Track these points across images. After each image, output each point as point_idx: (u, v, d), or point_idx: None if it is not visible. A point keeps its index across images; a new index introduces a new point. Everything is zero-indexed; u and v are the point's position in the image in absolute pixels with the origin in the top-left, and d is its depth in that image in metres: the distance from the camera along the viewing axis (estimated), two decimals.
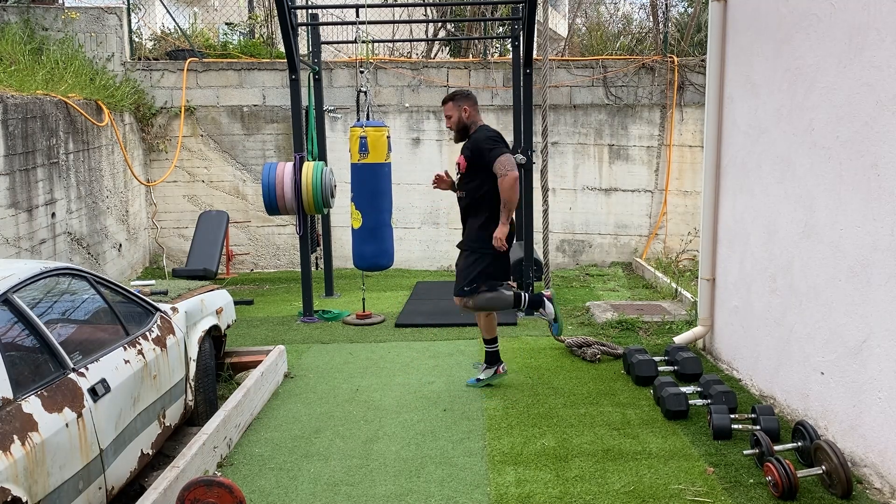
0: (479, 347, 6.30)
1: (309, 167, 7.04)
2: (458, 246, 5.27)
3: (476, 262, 5.04)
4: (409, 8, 12.23)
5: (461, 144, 5.18)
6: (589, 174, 10.25)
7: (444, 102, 5.17)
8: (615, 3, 13.99)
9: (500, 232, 4.91)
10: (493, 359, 5.33)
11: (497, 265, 5.08)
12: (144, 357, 3.89)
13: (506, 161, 4.87)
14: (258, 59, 10.20)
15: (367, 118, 7.09)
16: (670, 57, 10.11)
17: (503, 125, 10.00)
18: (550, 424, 4.63)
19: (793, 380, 4.56)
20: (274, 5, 8.24)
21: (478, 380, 5.34)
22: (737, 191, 5.38)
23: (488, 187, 4.98)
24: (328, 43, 9.63)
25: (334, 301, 8.33)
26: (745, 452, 4.07)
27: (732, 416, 4.44)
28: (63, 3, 10.25)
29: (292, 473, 4.05)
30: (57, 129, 7.26)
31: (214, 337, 5.18)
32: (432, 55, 12.08)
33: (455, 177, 5.22)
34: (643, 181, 10.25)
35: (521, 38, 7.89)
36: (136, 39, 10.35)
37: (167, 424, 4.14)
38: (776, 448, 3.95)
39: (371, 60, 9.36)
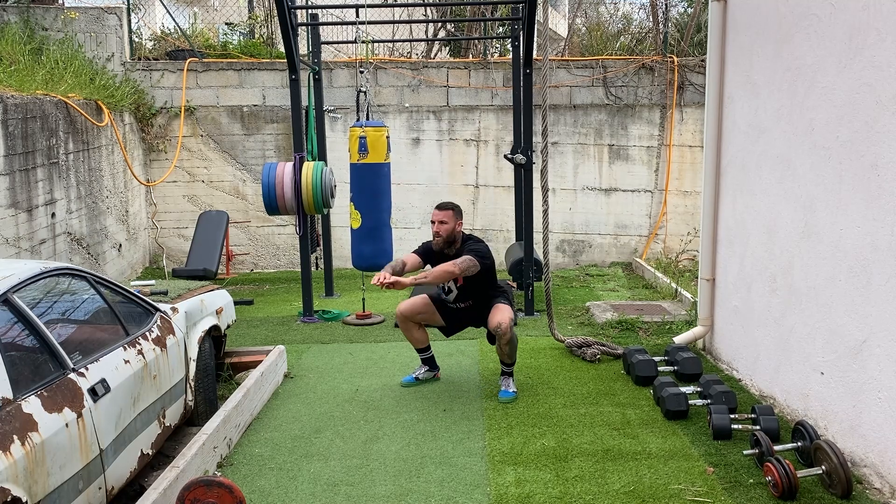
0: (478, 348, 6.30)
1: (309, 167, 7.04)
2: (463, 309, 5.24)
3: (504, 299, 5.18)
4: (409, 8, 12.23)
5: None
6: (589, 174, 10.25)
7: (445, 209, 5.07)
8: (615, 3, 13.99)
9: (421, 278, 4.83)
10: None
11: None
12: (144, 357, 3.89)
13: (472, 263, 4.89)
14: (258, 59, 10.20)
15: (367, 118, 7.09)
16: (670, 57, 10.11)
17: (503, 125, 10.02)
18: (550, 424, 4.63)
19: (793, 380, 4.56)
20: (274, 5, 8.24)
21: (514, 392, 5.20)
22: (737, 191, 5.38)
23: (484, 283, 5.11)
24: (328, 43, 9.63)
25: (334, 301, 8.33)
26: (745, 452, 4.07)
27: (732, 416, 4.44)
28: (63, 3, 10.25)
29: (292, 473, 4.05)
30: (57, 129, 7.26)
31: (214, 337, 5.18)
32: (432, 55, 12.08)
33: (448, 292, 5.18)
34: (643, 181, 10.25)
35: (521, 38, 7.89)
36: (136, 39, 10.35)
37: (167, 424, 4.14)
38: (776, 448, 3.95)
39: (371, 60, 9.36)
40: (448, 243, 5.09)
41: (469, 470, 4.05)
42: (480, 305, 5.18)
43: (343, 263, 9.66)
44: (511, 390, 5.18)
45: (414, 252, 5.24)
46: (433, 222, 5.10)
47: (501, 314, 5.02)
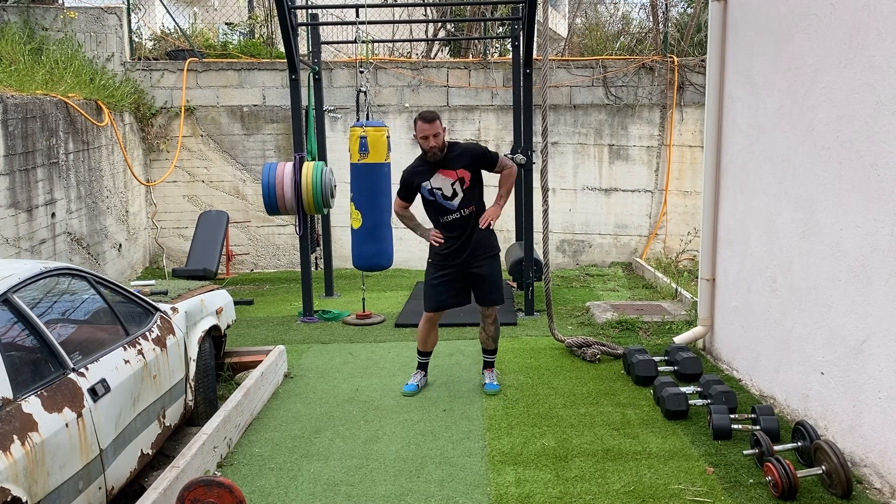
0: (478, 348, 6.27)
1: (309, 167, 7.04)
2: (471, 262, 5.09)
3: (499, 267, 5.23)
4: (409, 8, 12.23)
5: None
6: (589, 174, 10.25)
7: (431, 120, 4.86)
8: (615, 3, 13.99)
9: (496, 213, 5.09)
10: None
11: None
12: (144, 357, 3.89)
13: (505, 157, 5.21)
14: (258, 59, 10.21)
15: (367, 118, 7.09)
16: (670, 57, 10.11)
17: (503, 125, 10.02)
18: (550, 424, 4.63)
19: (793, 380, 4.56)
20: (274, 5, 8.24)
21: (499, 385, 5.34)
22: (737, 191, 5.38)
23: (481, 192, 5.15)
24: (328, 43, 9.63)
25: (334, 301, 8.33)
26: (745, 452, 4.07)
27: (732, 416, 4.44)
28: (63, 3, 10.25)
29: (292, 473, 4.05)
30: (57, 129, 7.26)
31: (214, 337, 5.18)
32: (432, 55, 12.08)
33: (451, 198, 5.00)
34: (643, 181, 10.25)
35: (521, 38, 7.89)
36: (136, 39, 10.35)
37: (167, 424, 4.14)
38: (776, 448, 3.95)
39: (371, 60, 9.36)
40: (441, 151, 4.96)
41: (469, 470, 4.05)
42: (478, 214, 5.08)
43: (343, 263, 9.66)
44: (496, 382, 5.31)
45: (399, 198, 5.19)
46: (424, 138, 4.88)
47: (494, 297, 5.14)
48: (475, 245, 5.10)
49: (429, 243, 5.21)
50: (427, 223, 5.26)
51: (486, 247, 5.14)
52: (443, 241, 5.08)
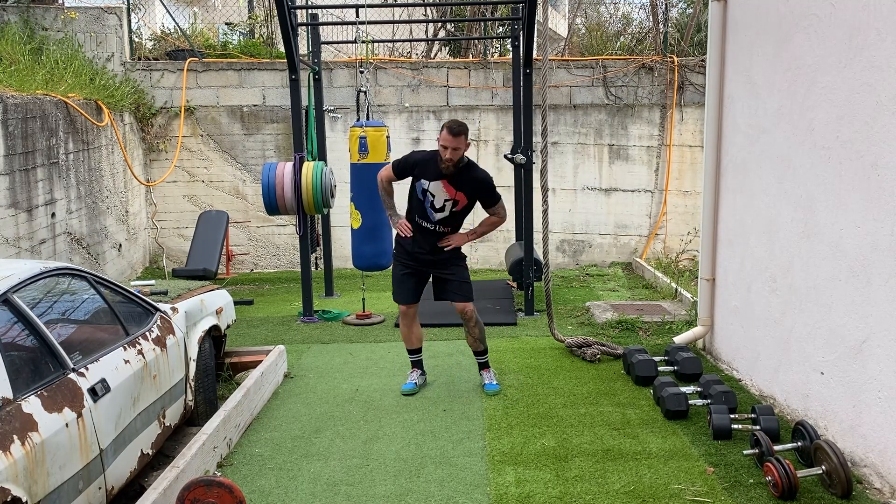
0: None
1: (309, 167, 7.04)
2: (433, 265, 5.18)
3: (466, 272, 5.26)
4: (409, 8, 12.23)
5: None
6: (589, 174, 10.24)
7: (457, 134, 4.78)
8: (615, 3, 13.99)
9: (461, 242, 5.15)
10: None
11: None
12: (144, 357, 3.89)
13: (503, 204, 5.20)
14: (258, 59, 10.20)
15: (367, 118, 7.09)
16: (670, 57, 10.11)
17: (503, 125, 10.02)
18: (550, 424, 4.63)
19: (793, 380, 4.56)
20: (274, 5, 8.24)
21: (498, 384, 5.34)
22: (737, 191, 5.39)
23: (463, 219, 5.17)
24: (328, 43, 9.63)
25: (334, 301, 8.33)
26: (745, 452, 4.07)
27: (732, 416, 4.44)
28: (63, 3, 10.25)
29: (292, 473, 4.05)
30: (57, 129, 7.26)
31: (214, 337, 5.18)
32: (432, 55, 12.08)
33: (437, 210, 5.01)
34: (643, 181, 10.25)
35: (521, 38, 7.90)
36: (136, 39, 10.35)
37: (167, 424, 4.14)
38: (776, 448, 3.95)
39: (371, 60, 9.36)
40: (455, 167, 4.93)
41: (469, 470, 4.05)
42: (443, 237, 5.13)
43: (343, 263, 9.66)
44: (495, 382, 5.30)
45: (392, 170, 5.12)
46: (444, 147, 4.80)
47: (464, 292, 5.13)
48: (440, 253, 5.13)
49: (394, 235, 5.26)
50: (401, 209, 5.29)
51: (457, 253, 5.20)
52: (410, 234, 5.10)
